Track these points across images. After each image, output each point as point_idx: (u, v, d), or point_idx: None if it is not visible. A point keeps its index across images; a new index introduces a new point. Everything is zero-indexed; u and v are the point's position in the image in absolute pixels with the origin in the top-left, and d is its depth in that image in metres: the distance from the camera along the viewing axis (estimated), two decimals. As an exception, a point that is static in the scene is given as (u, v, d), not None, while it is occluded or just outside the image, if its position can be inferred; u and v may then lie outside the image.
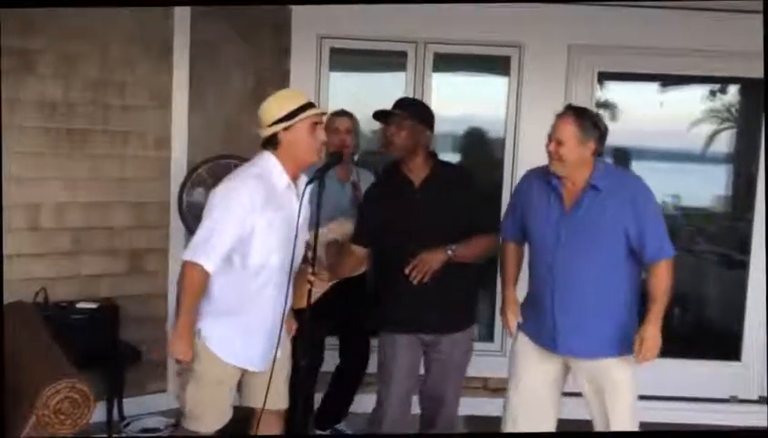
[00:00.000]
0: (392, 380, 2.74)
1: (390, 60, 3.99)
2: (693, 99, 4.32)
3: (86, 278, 3.46)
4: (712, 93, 4.34)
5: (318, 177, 2.38)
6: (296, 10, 3.72)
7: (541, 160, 3.70)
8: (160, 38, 3.55)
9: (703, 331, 4.41)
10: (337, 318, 3.23)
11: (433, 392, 2.82)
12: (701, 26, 3.70)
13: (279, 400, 2.53)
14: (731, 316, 4.15)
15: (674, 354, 4.15)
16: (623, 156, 4.48)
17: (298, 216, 2.35)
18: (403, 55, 3.87)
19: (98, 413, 3.06)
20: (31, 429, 2.12)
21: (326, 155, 2.66)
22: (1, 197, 2.52)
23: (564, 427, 2.69)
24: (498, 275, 3.87)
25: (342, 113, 3.32)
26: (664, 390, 3.91)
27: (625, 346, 2.44)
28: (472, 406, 3.60)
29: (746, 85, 4.23)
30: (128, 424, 3.44)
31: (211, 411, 2.44)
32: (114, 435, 3.32)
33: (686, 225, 4.66)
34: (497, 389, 3.89)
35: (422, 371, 2.91)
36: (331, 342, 3.42)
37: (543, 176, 2.52)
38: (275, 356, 2.43)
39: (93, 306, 3.32)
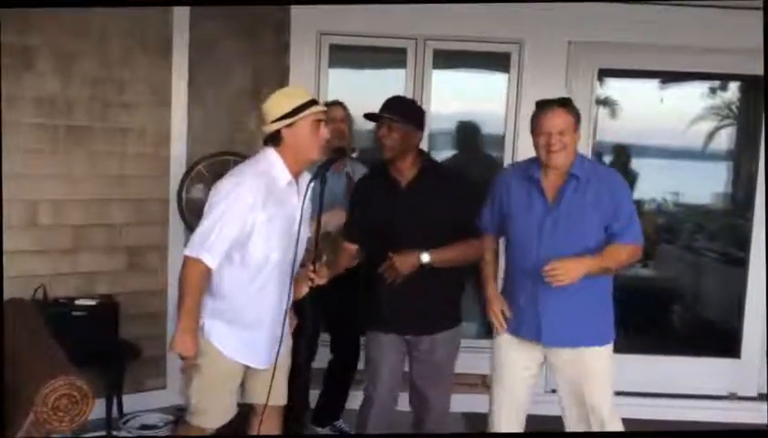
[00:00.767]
0: (378, 379, 2.75)
1: (390, 57, 3.98)
2: (693, 97, 4.32)
3: (85, 275, 3.46)
4: (712, 90, 4.34)
5: (321, 174, 2.39)
6: (296, 7, 3.71)
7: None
8: (159, 35, 3.55)
9: (702, 328, 4.42)
10: (330, 314, 3.23)
11: (418, 392, 2.80)
12: (701, 23, 3.70)
13: (279, 396, 2.53)
14: (730, 313, 4.15)
15: (673, 351, 4.18)
16: (623, 153, 4.48)
17: (301, 213, 2.35)
18: (403, 51, 3.87)
19: (98, 410, 3.06)
20: (29, 426, 2.13)
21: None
22: (1, 195, 2.51)
23: (548, 423, 2.71)
24: (498, 276, 3.94)
25: (335, 103, 3.33)
26: (663, 387, 3.92)
27: (604, 335, 2.53)
28: (469, 403, 3.60)
29: (746, 82, 4.23)
30: (127, 421, 3.44)
31: (216, 405, 2.44)
32: (113, 432, 3.32)
33: (685, 222, 4.66)
34: (496, 386, 3.89)
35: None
36: (322, 338, 3.45)
37: (522, 171, 2.55)
38: (278, 351, 2.43)
39: (92, 303, 3.32)
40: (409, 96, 3.85)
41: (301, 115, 2.31)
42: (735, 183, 4.48)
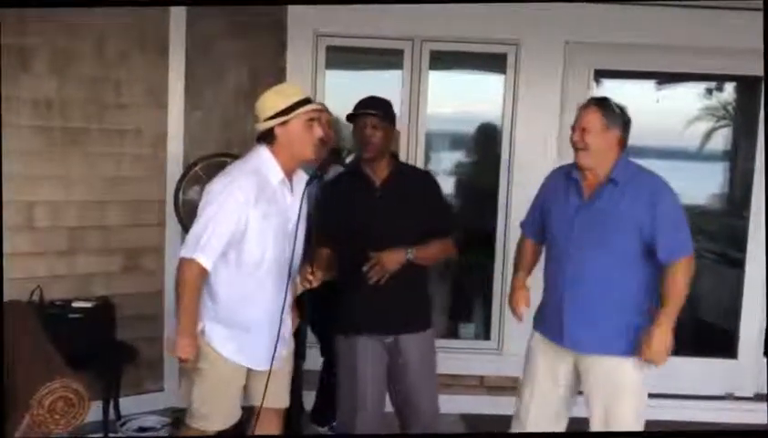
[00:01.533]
0: (360, 385, 2.67)
1: (387, 58, 3.98)
2: (689, 97, 4.32)
3: (82, 277, 3.45)
4: (709, 91, 4.35)
5: (319, 176, 2.39)
6: (292, 8, 3.71)
7: (537, 157, 3.76)
8: (156, 35, 3.55)
9: (699, 328, 4.42)
10: (318, 315, 3.21)
11: (405, 399, 2.74)
12: (698, 24, 3.70)
13: (281, 398, 2.52)
14: (726, 313, 4.16)
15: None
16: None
17: (299, 212, 2.35)
18: (399, 53, 3.87)
19: (95, 413, 3.07)
20: (26, 428, 2.12)
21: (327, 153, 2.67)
22: (1, 196, 2.51)
23: (572, 425, 2.67)
24: (494, 277, 3.94)
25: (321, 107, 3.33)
26: (660, 387, 3.90)
27: (635, 348, 2.40)
28: (468, 404, 3.61)
29: (743, 82, 4.24)
30: (124, 423, 3.43)
31: (218, 409, 2.43)
32: (110, 434, 3.31)
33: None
34: (493, 387, 3.90)
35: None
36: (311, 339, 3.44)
37: (565, 172, 2.54)
38: (274, 353, 2.40)
39: (89, 304, 3.31)
40: (406, 97, 3.87)
41: (294, 113, 2.31)
42: (732, 184, 4.49)
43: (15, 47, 3.17)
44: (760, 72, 3.75)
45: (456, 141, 4.28)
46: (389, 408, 2.84)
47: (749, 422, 3.71)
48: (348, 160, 3.41)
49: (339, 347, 2.75)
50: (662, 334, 2.33)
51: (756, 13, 2.79)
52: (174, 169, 3.61)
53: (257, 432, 2.52)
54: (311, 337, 3.42)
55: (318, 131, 2.36)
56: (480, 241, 4.04)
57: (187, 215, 3.42)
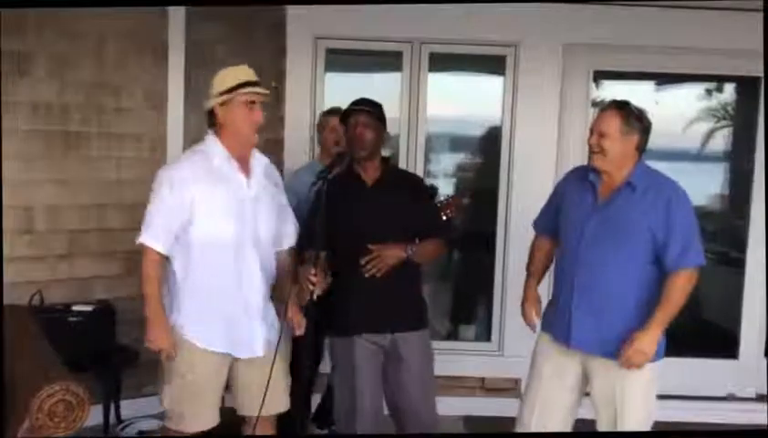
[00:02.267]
0: (359, 386, 2.65)
1: (386, 60, 3.98)
2: (689, 98, 4.32)
3: (81, 281, 3.45)
4: (708, 92, 4.35)
5: (323, 178, 2.40)
6: (292, 10, 3.71)
7: (536, 158, 3.76)
8: (155, 39, 3.55)
9: (700, 329, 4.41)
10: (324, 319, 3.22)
11: (397, 395, 2.73)
12: (697, 25, 3.71)
13: (278, 403, 2.50)
14: (727, 314, 4.16)
15: (671, 352, 4.16)
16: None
17: (257, 193, 2.38)
18: (399, 55, 3.87)
19: (95, 416, 3.07)
20: (26, 432, 2.12)
21: (334, 156, 2.69)
22: (1, 200, 2.52)
23: (577, 427, 2.66)
24: (494, 278, 3.94)
25: (335, 112, 3.33)
26: (661, 388, 3.90)
27: (640, 368, 2.37)
28: (468, 406, 3.61)
29: (742, 83, 4.24)
30: (124, 427, 3.43)
31: (195, 408, 2.41)
32: (111, 438, 3.31)
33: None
34: (494, 389, 3.90)
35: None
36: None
37: (582, 172, 2.52)
38: (259, 350, 2.40)
39: (89, 308, 3.31)
40: (406, 99, 3.87)
41: (234, 94, 2.34)
42: (732, 185, 4.49)
43: (14, 52, 3.17)
44: (759, 73, 3.79)
45: (455, 143, 4.28)
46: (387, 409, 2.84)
47: (750, 422, 3.70)
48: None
49: (336, 348, 2.74)
50: (647, 337, 2.30)
51: (755, 13, 2.79)
52: (174, 172, 3.60)
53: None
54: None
55: (258, 116, 2.38)
56: (480, 243, 4.04)
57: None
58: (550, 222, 2.62)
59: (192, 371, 2.37)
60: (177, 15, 3.56)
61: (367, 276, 2.54)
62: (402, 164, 3.82)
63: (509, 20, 3.69)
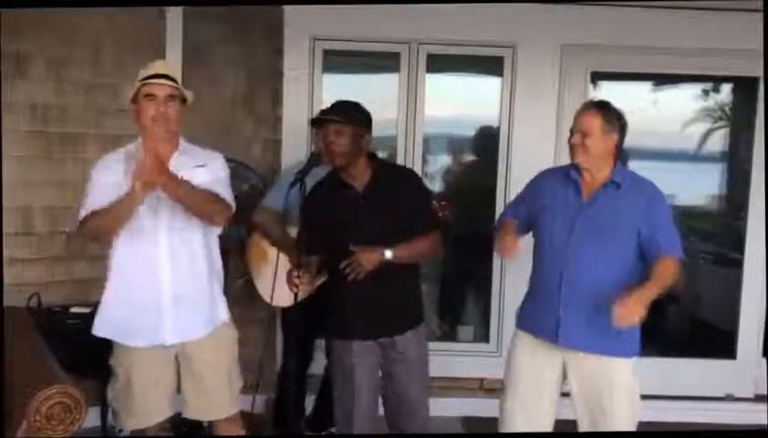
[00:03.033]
0: (355, 388, 2.65)
1: (384, 61, 3.98)
2: (686, 99, 4.33)
3: (79, 283, 3.44)
4: (705, 92, 4.35)
5: (299, 179, 2.41)
6: (289, 11, 3.71)
7: (534, 159, 3.76)
8: (152, 40, 3.54)
9: (698, 330, 4.42)
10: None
11: (398, 398, 2.73)
12: (694, 25, 3.71)
13: (220, 407, 2.49)
14: (725, 314, 4.16)
15: (669, 353, 4.18)
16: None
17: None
18: (396, 56, 3.87)
19: (93, 418, 3.06)
20: (23, 434, 2.11)
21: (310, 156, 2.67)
22: (1, 201, 2.52)
23: (557, 427, 2.68)
24: (492, 279, 3.94)
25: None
26: (659, 388, 3.91)
27: (628, 347, 2.46)
28: (468, 407, 3.61)
29: (739, 83, 4.25)
30: (122, 429, 3.41)
31: (127, 405, 2.42)
32: (109, 440, 3.30)
33: (680, 224, 4.66)
34: (493, 389, 3.88)
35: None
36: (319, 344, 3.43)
37: (561, 171, 2.56)
38: (169, 338, 2.40)
39: (87, 310, 3.28)
40: (403, 100, 3.87)
41: (137, 87, 2.35)
42: (729, 185, 4.50)
43: (12, 53, 3.17)
44: (757, 73, 3.80)
45: (454, 144, 4.28)
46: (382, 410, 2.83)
47: (749, 423, 3.71)
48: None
49: (333, 349, 2.74)
50: (638, 298, 2.27)
51: (752, 14, 2.80)
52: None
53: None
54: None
55: (157, 108, 2.32)
56: (478, 243, 4.03)
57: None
58: (521, 218, 2.61)
59: (121, 367, 2.42)
60: (175, 15, 3.55)
61: (349, 279, 2.50)
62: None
63: (507, 21, 3.70)
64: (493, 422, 2.69)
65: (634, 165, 4.44)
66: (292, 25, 3.74)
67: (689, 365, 4.03)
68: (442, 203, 3.06)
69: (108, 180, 2.35)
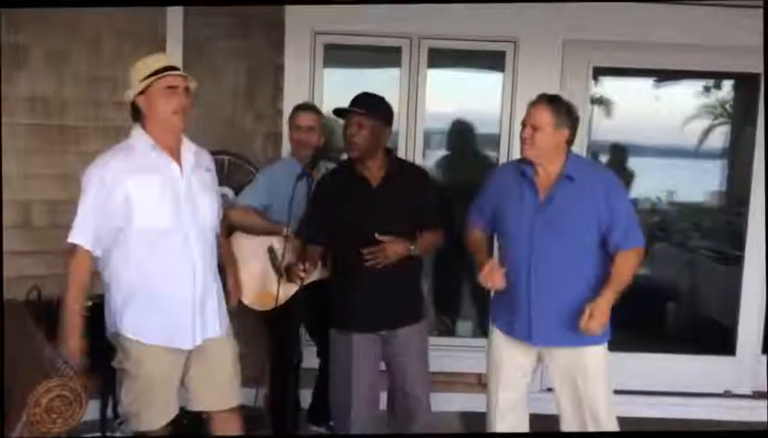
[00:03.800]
0: (355, 380, 2.66)
1: (385, 56, 3.97)
2: (688, 95, 4.33)
3: (79, 276, 3.44)
4: (707, 89, 4.35)
5: (308, 174, 2.46)
6: (290, 5, 3.70)
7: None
8: (152, 33, 3.53)
9: (697, 326, 4.42)
10: (313, 316, 3.21)
11: (400, 390, 2.75)
12: (696, 21, 3.70)
13: (227, 397, 2.49)
14: (725, 311, 4.16)
15: (668, 349, 4.19)
16: (618, 152, 4.48)
17: (191, 183, 2.36)
18: (397, 51, 3.86)
19: (92, 411, 3.06)
20: (22, 427, 2.11)
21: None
22: (1, 195, 2.51)
23: (544, 421, 2.71)
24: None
25: (305, 107, 3.28)
26: (658, 384, 3.92)
27: (601, 335, 2.49)
28: (466, 402, 3.60)
29: (740, 80, 4.24)
30: (122, 422, 3.42)
31: (148, 406, 2.39)
32: (108, 433, 3.30)
33: (680, 221, 4.67)
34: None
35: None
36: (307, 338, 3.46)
37: (516, 168, 2.55)
38: (199, 340, 2.39)
39: (86, 303, 3.29)
40: (404, 95, 3.86)
41: (150, 80, 2.31)
42: (730, 182, 4.49)
43: (11, 45, 3.16)
44: (758, 69, 3.77)
45: (453, 139, 4.27)
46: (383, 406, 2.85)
47: (748, 419, 3.71)
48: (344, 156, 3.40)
49: (333, 341, 2.75)
50: (602, 306, 2.36)
51: (754, 10, 2.78)
52: (172, 167, 3.59)
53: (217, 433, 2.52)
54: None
55: (181, 99, 2.33)
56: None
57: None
58: (486, 217, 2.63)
59: (142, 369, 2.35)
60: (175, 9, 3.54)
61: (367, 265, 2.53)
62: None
63: (508, 16, 3.68)
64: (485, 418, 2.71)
65: (635, 161, 4.47)
66: (293, 19, 3.73)
67: (688, 361, 4.03)
68: None
69: (105, 201, 2.28)
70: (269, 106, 3.81)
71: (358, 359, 2.67)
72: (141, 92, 2.32)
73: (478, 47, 3.91)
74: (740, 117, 4.30)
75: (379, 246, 2.53)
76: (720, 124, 4.43)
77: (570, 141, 2.49)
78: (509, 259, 2.54)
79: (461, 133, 4.19)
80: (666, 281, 4.55)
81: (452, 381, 3.79)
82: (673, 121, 4.26)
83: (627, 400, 3.29)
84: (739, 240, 4.05)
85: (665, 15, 3.68)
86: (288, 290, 2.82)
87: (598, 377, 2.53)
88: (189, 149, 2.43)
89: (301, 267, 2.40)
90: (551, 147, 2.44)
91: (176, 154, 2.38)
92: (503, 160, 3.90)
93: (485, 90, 4.11)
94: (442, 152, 4.29)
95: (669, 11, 3.67)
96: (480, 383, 3.89)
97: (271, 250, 3.03)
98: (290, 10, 3.71)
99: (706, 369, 4.03)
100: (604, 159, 4.41)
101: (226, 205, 2.94)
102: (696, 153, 4.46)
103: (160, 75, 2.30)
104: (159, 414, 2.41)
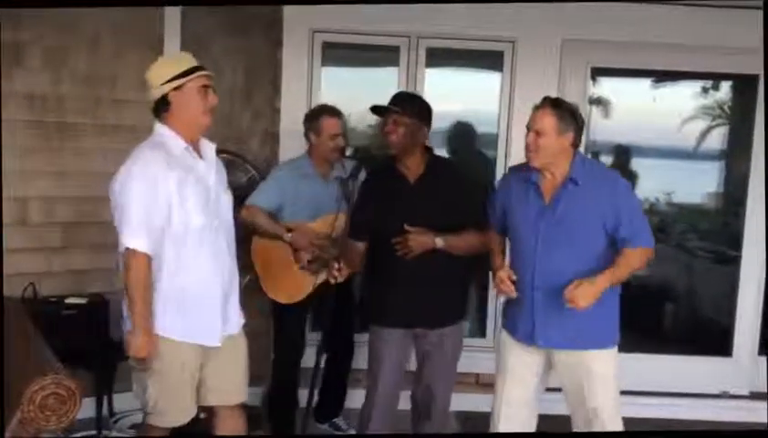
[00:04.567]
0: (380, 374, 2.75)
1: (383, 55, 3.97)
2: (686, 96, 4.32)
3: (75, 273, 3.43)
4: (705, 90, 4.35)
5: (354, 175, 2.56)
6: (288, 4, 3.70)
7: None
8: (150, 31, 3.52)
9: (695, 327, 4.42)
10: (324, 312, 3.22)
11: (424, 387, 2.82)
12: (694, 22, 3.70)
13: (238, 392, 2.52)
14: (722, 311, 4.16)
15: (665, 350, 4.19)
16: (616, 152, 4.48)
17: (215, 179, 2.39)
18: (396, 50, 3.86)
19: (88, 409, 3.06)
20: (16, 425, 2.11)
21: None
22: (1, 192, 2.50)
23: (548, 423, 2.70)
24: (489, 274, 3.92)
25: (332, 112, 3.28)
26: (656, 385, 3.92)
27: (605, 338, 2.49)
28: (463, 401, 3.59)
29: (738, 81, 4.24)
30: (117, 420, 3.42)
31: (174, 403, 2.40)
32: (104, 431, 3.30)
33: (678, 222, 4.67)
34: (489, 384, 3.87)
35: (413, 368, 2.92)
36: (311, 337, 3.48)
37: (522, 173, 2.54)
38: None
39: (82, 301, 3.29)
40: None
41: (188, 78, 2.31)
42: (727, 183, 4.49)
43: (10, 42, 3.15)
44: (756, 70, 3.79)
45: (452, 139, 4.26)
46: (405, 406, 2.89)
47: (744, 420, 3.72)
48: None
49: (371, 336, 2.82)
50: (592, 286, 2.32)
51: (752, 11, 2.78)
52: (169, 165, 3.59)
53: (220, 432, 2.52)
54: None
55: (213, 99, 2.36)
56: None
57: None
58: (500, 220, 2.63)
59: (171, 369, 2.36)
60: (173, 8, 3.53)
61: (397, 255, 2.57)
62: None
63: (507, 16, 3.68)
64: (489, 417, 2.71)
65: (632, 162, 4.46)
66: (291, 17, 3.73)
67: (685, 362, 4.03)
68: None
69: (152, 199, 2.26)
70: (267, 104, 3.81)
71: (387, 350, 2.73)
72: (176, 87, 2.32)
73: (476, 47, 3.91)
74: (738, 118, 4.30)
75: (405, 236, 2.57)
76: (718, 125, 4.43)
77: (575, 144, 2.46)
78: (516, 261, 2.53)
79: (459, 133, 4.18)
80: (663, 282, 4.54)
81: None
82: (671, 122, 4.25)
83: (623, 400, 3.28)
84: (736, 241, 4.06)
85: (663, 15, 3.68)
86: (308, 283, 2.85)
87: (605, 382, 2.49)
88: (209, 147, 2.45)
89: (336, 267, 2.43)
90: (555, 151, 2.41)
91: (197, 151, 2.41)
92: (500, 159, 3.91)
93: (483, 90, 4.10)
94: (441, 152, 4.27)
95: (668, 12, 3.68)
96: (477, 383, 3.90)
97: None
98: (288, 8, 3.71)
99: (703, 369, 4.04)
100: (602, 159, 4.41)
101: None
102: (694, 154, 4.45)
103: (196, 74, 2.33)
104: (185, 410, 2.42)
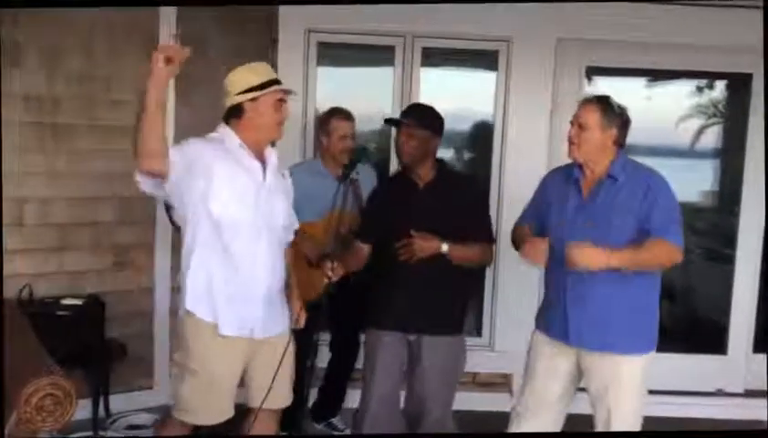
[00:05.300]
0: (374, 378, 2.75)
1: (378, 55, 3.97)
2: (680, 95, 4.33)
3: (71, 274, 3.43)
4: (699, 89, 4.36)
5: (347, 175, 2.57)
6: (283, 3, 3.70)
7: (528, 153, 3.76)
8: (145, 31, 3.52)
9: (690, 325, 4.44)
10: (331, 313, 3.22)
11: (416, 400, 2.78)
12: (689, 21, 3.71)
13: (284, 397, 2.51)
14: (717, 309, 4.18)
15: (660, 348, 4.18)
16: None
17: (273, 186, 2.41)
18: (391, 49, 3.86)
19: (85, 410, 3.06)
20: (13, 426, 2.10)
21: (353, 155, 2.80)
22: (1, 192, 2.50)
23: (575, 422, 2.69)
24: (485, 273, 3.94)
25: (345, 115, 3.30)
26: (651, 383, 3.91)
27: (640, 343, 2.46)
28: (460, 401, 3.59)
29: (732, 80, 4.25)
30: (114, 421, 3.42)
31: (208, 404, 2.38)
32: (100, 432, 3.30)
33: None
34: (486, 383, 3.90)
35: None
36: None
37: (566, 171, 2.56)
38: (259, 333, 2.40)
39: (78, 302, 3.29)
40: (398, 94, 3.86)
41: (267, 90, 2.34)
42: (722, 181, 4.51)
43: (5, 43, 3.14)
44: (750, 70, 3.81)
45: (448, 139, 4.27)
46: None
47: (739, 418, 3.73)
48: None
49: (367, 339, 2.84)
50: (602, 253, 2.25)
51: (749, 10, 2.80)
52: (165, 165, 3.58)
53: (254, 432, 2.50)
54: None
55: (287, 112, 2.41)
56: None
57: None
58: (533, 218, 2.62)
59: (209, 373, 2.35)
60: (168, 6, 3.53)
61: (401, 259, 2.59)
62: (392, 159, 3.81)
63: (502, 15, 3.68)
64: (486, 416, 2.71)
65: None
66: (287, 16, 3.72)
67: (680, 360, 4.04)
68: None
69: (193, 152, 2.31)
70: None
71: (382, 354, 2.73)
72: (253, 98, 2.35)
73: (471, 46, 3.92)
74: (732, 117, 4.32)
75: (409, 240, 2.59)
76: (712, 124, 4.44)
77: (619, 143, 2.44)
78: (554, 261, 2.48)
79: (454, 132, 4.18)
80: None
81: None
82: (666, 121, 4.26)
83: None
84: (731, 239, 4.08)
85: (658, 14, 3.69)
86: (320, 283, 2.86)
87: (631, 389, 2.47)
88: (272, 153, 2.48)
89: (329, 266, 2.44)
90: (597, 147, 2.41)
91: (261, 157, 2.42)
92: (496, 158, 3.92)
93: (479, 89, 4.11)
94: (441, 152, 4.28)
95: (662, 11, 3.69)
96: (474, 382, 3.91)
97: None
98: (284, 8, 3.71)
99: (698, 367, 4.05)
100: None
101: None
102: (688, 153, 4.47)
103: (274, 87, 2.37)
104: (218, 409, 2.40)
